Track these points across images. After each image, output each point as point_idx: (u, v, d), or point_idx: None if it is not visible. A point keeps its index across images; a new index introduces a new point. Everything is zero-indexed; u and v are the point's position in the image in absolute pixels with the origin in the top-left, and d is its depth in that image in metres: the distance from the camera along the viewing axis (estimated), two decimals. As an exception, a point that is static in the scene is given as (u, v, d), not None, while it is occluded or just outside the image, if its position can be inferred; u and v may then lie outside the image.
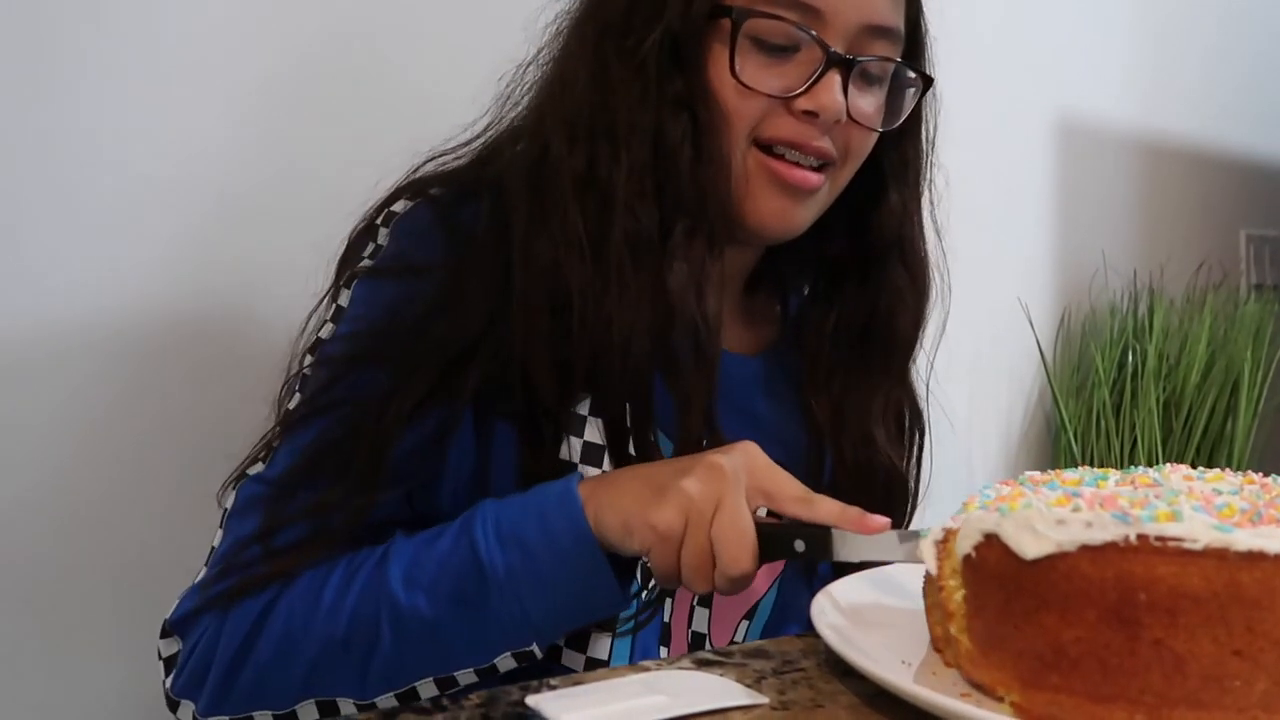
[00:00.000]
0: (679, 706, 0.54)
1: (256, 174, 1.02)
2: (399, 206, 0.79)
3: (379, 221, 0.79)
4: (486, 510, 0.69)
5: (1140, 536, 0.48)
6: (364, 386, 0.73)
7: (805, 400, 0.86)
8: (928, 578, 0.59)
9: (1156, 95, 1.95)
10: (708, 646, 0.82)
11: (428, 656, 0.69)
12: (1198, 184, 2.03)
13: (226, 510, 0.74)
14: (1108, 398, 1.73)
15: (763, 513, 0.69)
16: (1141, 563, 0.47)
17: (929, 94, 0.84)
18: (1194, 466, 0.63)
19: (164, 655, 0.72)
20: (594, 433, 0.76)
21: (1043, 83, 1.77)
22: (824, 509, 0.66)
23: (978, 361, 1.69)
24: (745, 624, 0.84)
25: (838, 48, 0.75)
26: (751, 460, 0.67)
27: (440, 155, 0.82)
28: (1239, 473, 0.61)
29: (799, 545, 0.66)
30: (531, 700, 0.56)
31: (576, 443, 0.76)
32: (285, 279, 0.89)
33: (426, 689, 0.69)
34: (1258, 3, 2.08)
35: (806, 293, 0.91)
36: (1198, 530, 0.47)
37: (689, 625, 0.82)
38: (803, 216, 0.79)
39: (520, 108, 0.81)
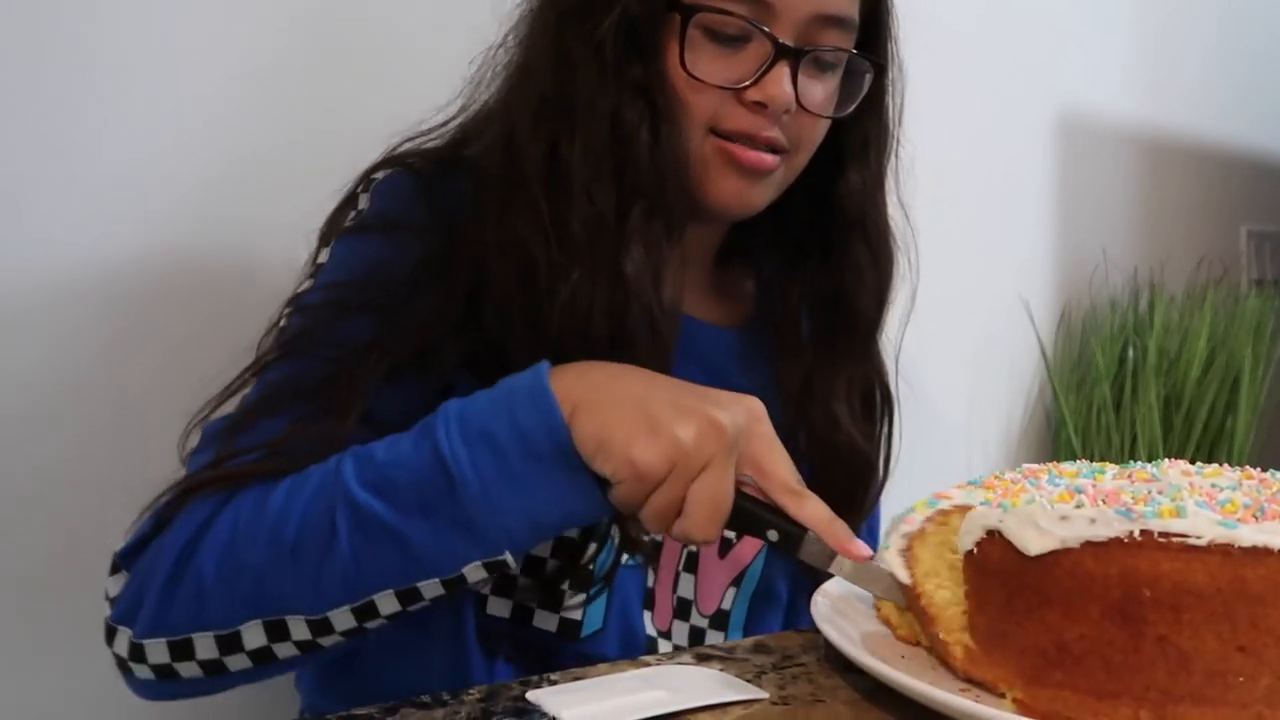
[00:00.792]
0: (679, 701, 0.54)
1: (235, 149, 1.01)
2: (379, 175, 0.80)
3: (360, 189, 0.80)
4: (449, 408, 0.64)
5: (1144, 532, 0.47)
6: (344, 332, 0.72)
7: (777, 374, 0.87)
8: (903, 587, 0.59)
9: (1157, 91, 1.94)
10: (695, 613, 0.83)
11: (389, 565, 0.63)
12: (1198, 180, 2.03)
13: (189, 451, 0.72)
14: (1108, 393, 1.72)
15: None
16: (1145, 559, 0.47)
17: (893, 72, 0.85)
18: (1193, 462, 0.63)
19: (110, 595, 0.67)
20: None
21: (1043, 79, 1.77)
22: (810, 511, 0.63)
23: (978, 357, 1.69)
24: (733, 590, 0.84)
25: (787, 38, 0.75)
26: (754, 425, 0.65)
27: (416, 137, 0.83)
28: (1237, 468, 0.61)
29: (772, 535, 0.64)
30: (532, 695, 0.56)
31: None
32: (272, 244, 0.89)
33: (387, 603, 0.63)
34: (1259, -1, 2.08)
35: (775, 269, 0.92)
36: (1202, 526, 0.47)
37: (674, 590, 0.82)
38: (759, 196, 0.80)
39: (491, 90, 0.82)
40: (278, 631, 0.64)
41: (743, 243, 0.90)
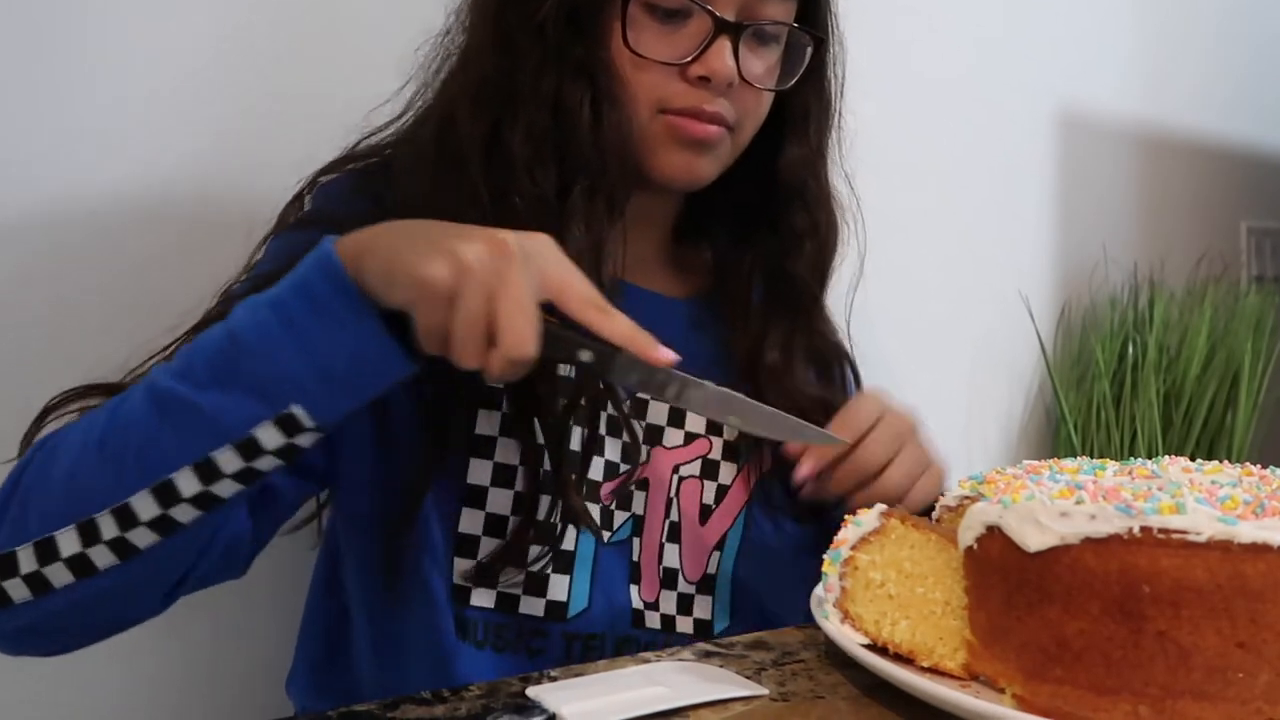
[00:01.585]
0: (679, 698, 0.54)
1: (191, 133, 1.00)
2: (324, 178, 0.83)
3: (305, 191, 0.83)
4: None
5: (1144, 529, 0.47)
6: None
7: (730, 343, 0.89)
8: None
9: (1157, 87, 1.94)
10: (682, 581, 0.83)
11: (185, 438, 0.62)
12: (1199, 176, 2.02)
13: None
14: (1108, 390, 1.72)
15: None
16: (1145, 555, 0.47)
17: (834, 46, 0.86)
18: (1193, 459, 0.63)
19: None
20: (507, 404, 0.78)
21: (1043, 75, 1.77)
22: (618, 325, 0.62)
23: (978, 354, 1.68)
24: (716, 555, 0.85)
25: (728, 13, 0.77)
26: (546, 250, 0.63)
27: (373, 134, 0.84)
28: (1237, 464, 0.61)
29: (585, 355, 0.63)
30: (532, 691, 0.56)
31: (494, 415, 0.78)
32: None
33: (187, 482, 0.62)
34: (1260, -5, 2.07)
35: (729, 241, 0.93)
36: (1201, 523, 0.47)
37: (659, 562, 0.83)
38: (705, 169, 0.81)
39: (441, 76, 0.83)
40: (89, 534, 0.62)
41: (699, 217, 0.92)
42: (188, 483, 0.62)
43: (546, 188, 0.76)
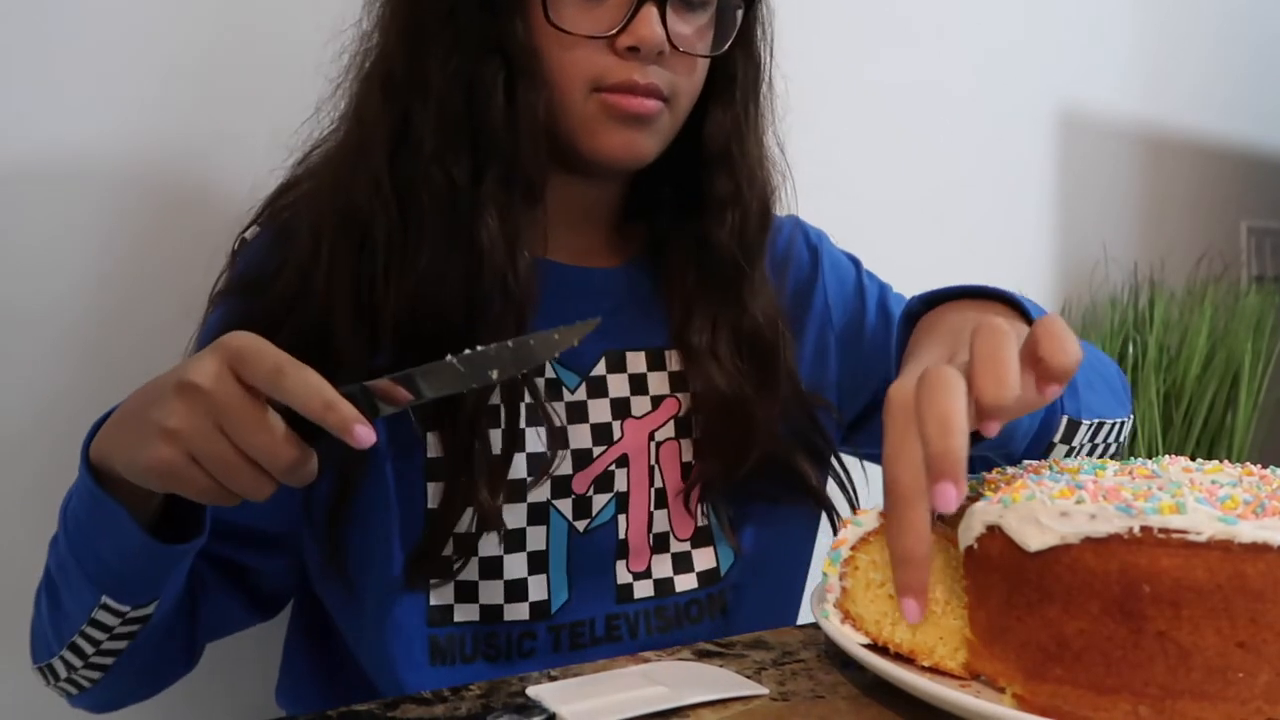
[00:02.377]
0: (679, 697, 0.54)
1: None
2: (250, 234, 0.82)
3: (236, 248, 0.82)
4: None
5: (1144, 529, 0.47)
6: None
7: (665, 305, 0.86)
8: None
9: (1158, 87, 1.94)
10: (674, 541, 0.83)
11: (66, 615, 0.72)
12: (1199, 176, 2.02)
13: None
14: (1109, 389, 1.72)
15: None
16: (1145, 555, 0.47)
17: (761, 9, 0.83)
18: (1194, 458, 0.63)
19: None
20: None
21: (1044, 75, 1.77)
22: (292, 384, 0.57)
23: (978, 353, 1.68)
24: (703, 506, 0.84)
25: None
26: (228, 354, 0.59)
27: (321, 144, 0.82)
28: (1237, 464, 0.61)
29: (386, 409, 0.59)
30: (532, 691, 0.56)
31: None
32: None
33: (94, 633, 0.71)
34: (1260, -6, 2.07)
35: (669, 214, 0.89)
36: (1202, 522, 0.47)
37: (649, 530, 0.82)
38: (646, 145, 0.78)
39: (356, 76, 0.80)
40: (79, 651, 0.73)
41: (642, 196, 0.88)
42: (93, 633, 0.71)
43: (459, 175, 0.74)
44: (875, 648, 0.57)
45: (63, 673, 0.74)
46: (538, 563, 0.78)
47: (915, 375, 0.56)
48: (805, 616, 0.82)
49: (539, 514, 0.79)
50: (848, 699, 0.56)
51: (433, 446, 0.77)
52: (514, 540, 0.78)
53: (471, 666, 0.77)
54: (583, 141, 0.77)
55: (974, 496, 0.61)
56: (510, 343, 0.59)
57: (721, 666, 0.60)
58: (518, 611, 0.77)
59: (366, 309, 0.74)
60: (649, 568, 0.82)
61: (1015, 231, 1.76)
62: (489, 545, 0.77)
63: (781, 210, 0.89)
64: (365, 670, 0.79)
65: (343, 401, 0.57)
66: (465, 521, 0.76)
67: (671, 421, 0.84)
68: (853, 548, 0.59)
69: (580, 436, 0.80)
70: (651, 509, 0.82)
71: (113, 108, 0.97)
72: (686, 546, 0.83)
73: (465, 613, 0.77)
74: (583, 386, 0.81)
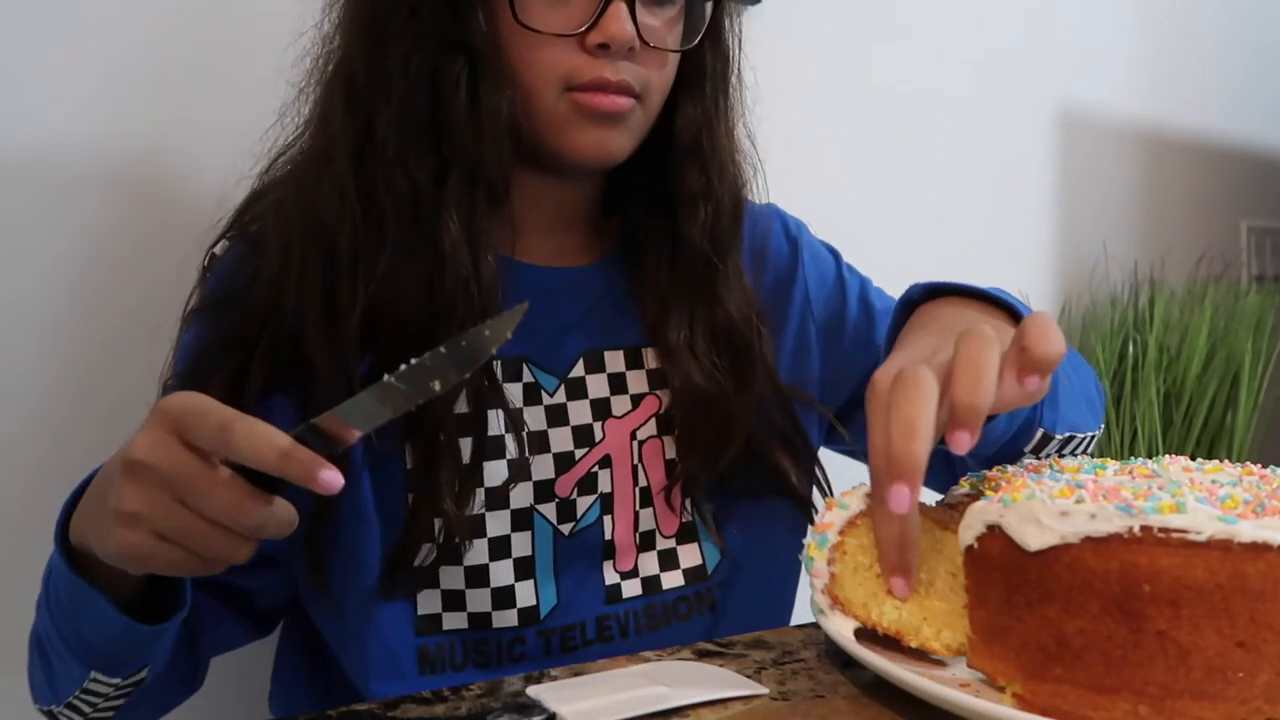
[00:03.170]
0: (679, 697, 0.54)
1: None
2: (219, 248, 0.81)
3: (205, 264, 0.82)
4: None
5: (1144, 528, 0.47)
6: None
7: (640, 303, 0.85)
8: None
9: (1158, 86, 1.94)
10: (659, 539, 0.82)
11: (61, 682, 0.71)
12: (1199, 175, 2.02)
13: None
14: (1108, 389, 1.72)
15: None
16: (1145, 554, 0.47)
17: (727, 3, 0.83)
18: (1194, 458, 0.63)
19: None
20: None
21: (1045, 73, 1.77)
22: (240, 439, 0.54)
23: (978, 352, 1.68)
24: (687, 501, 0.84)
25: None
26: (168, 420, 0.56)
27: (286, 151, 0.81)
28: (1237, 464, 0.61)
29: (339, 449, 0.55)
30: (532, 690, 0.56)
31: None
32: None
33: (88, 699, 0.70)
34: (1261, -7, 2.07)
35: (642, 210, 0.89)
36: (1202, 522, 0.47)
37: (636, 529, 0.82)
38: (618, 144, 0.78)
39: (319, 80, 0.79)
40: (77, 709, 0.72)
41: (620, 197, 0.88)
42: (89, 698, 0.70)
43: (421, 177, 0.73)
44: (872, 636, 0.57)
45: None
46: (524, 568, 0.78)
47: (897, 367, 0.58)
48: (798, 613, 0.82)
49: (523, 520, 0.78)
50: (848, 699, 0.56)
51: (411, 457, 0.76)
52: (499, 547, 0.77)
53: (461, 674, 0.76)
54: (553, 141, 0.76)
55: (974, 496, 0.61)
56: (443, 348, 0.54)
57: (721, 666, 0.60)
58: (506, 618, 0.77)
59: (335, 318, 0.73)
60: (636, 566, 0.82)
61: (1015, 231, 1.76)
62: (477, 554, 0.76)
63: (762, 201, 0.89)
64: (354, 681, 0.78)
65: (298, 448, 0.54)
66: (439, 531, 0.75)
67: (653, 419, 0.84)
68: (840, 532, 0.59)
69: (561, 439, 0.80)
70: (637, 508, 0.82)
71: (78, 108, 0.97)
72: (672, 543, 0.83)
73: (454, 621, 0.77)
74: (561, 389, 0.81)
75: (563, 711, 0.52)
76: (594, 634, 0.80)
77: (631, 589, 0.81)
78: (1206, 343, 1.74)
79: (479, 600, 0.77)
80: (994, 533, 0.52)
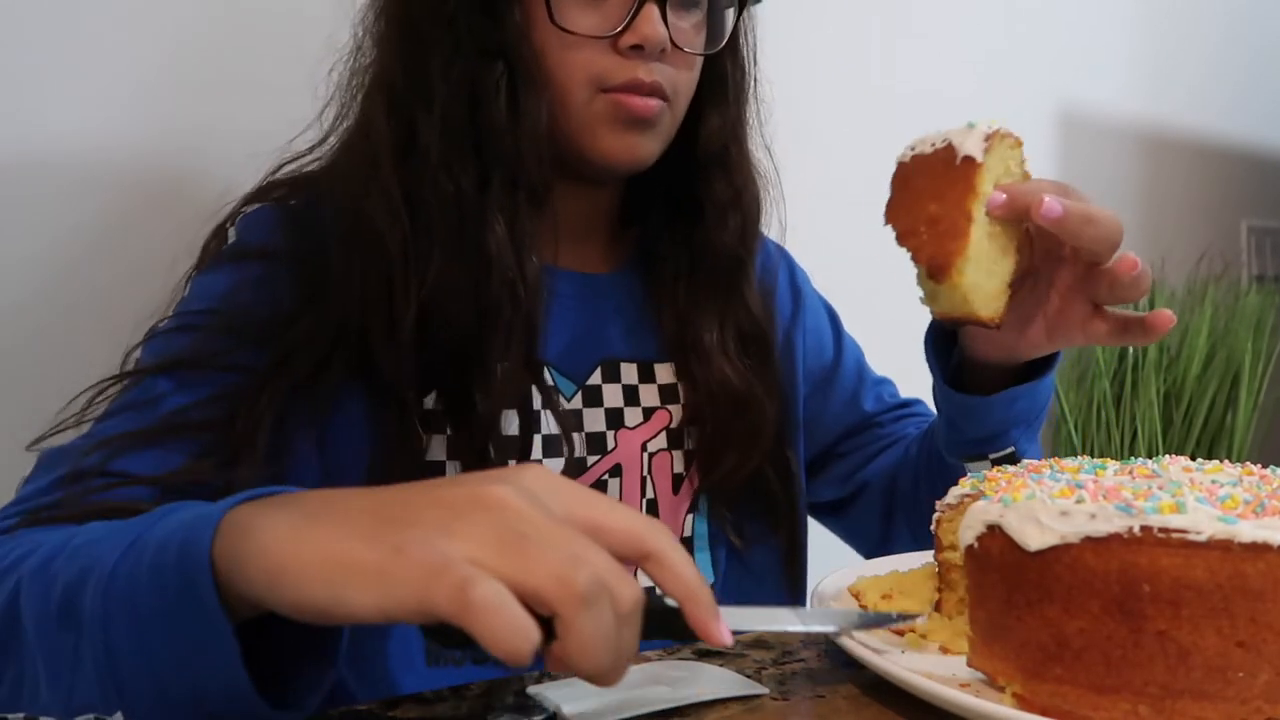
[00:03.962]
0: (679, 697, 0.54)
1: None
2: (246, 209, 0.81)
3: (228, 223, 0.80)
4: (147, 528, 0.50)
5: (1144, 528, 0.47)
6: (229, 360, 0.71)
7: (656, 314, 0.86)
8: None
9: (1159, 86, 1.94)
10: None
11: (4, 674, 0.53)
12: (1200, 175, 2.03)
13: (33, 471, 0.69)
14: (1108, 389, 1.72)
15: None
16: (1145, 554, 0.47)
17: (745, 12, 0.84)
18: (1194, 458, 0.63)
19: None
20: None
21: (1045, 75, 1.77)
22: (671, 575, 0.47)
23: (978, 353, 1.69)
24: (690, 517, 0.85)
25: None
26: (554, 487, 0.47)
27: (295, 159, 0.82)
28: (1237, 464, 0.61)
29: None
30: (533, 689, 0.56)
31: (439, 440, 0.76)
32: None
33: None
34: (1261, -6, 2.07)
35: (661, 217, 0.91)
36: (1202, 522, 0.47)
37: None
38: (648, 148, 0.79)
39: (360, 93, 0.80)
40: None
41: (639, 207, 0.89)
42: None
43: (465, 183, 0.74)
44: (875, 648, 0.57)
45: None
46: None
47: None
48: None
49: None
50: (848, 699, 0.56)
51: (434, 450, 0.76)
52: None
53: (467, 668, 0.77)
54: (584, 143, 0.77)
55: (974, 495, 0.61)
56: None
57: (721, 666, 0.60)
58: None
59: (392, 323, 0.73)
60: (637, 575, 0.82)
61: (1015, 231, 1.76)
62: None
63: (775, 214, 0.90)
64: (362, 672, 0.78)
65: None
66: None
67: (663, 433, 0.85)
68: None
69: (575, 446, 0.81)
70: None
71: (95, 108, 0.98)
72: None
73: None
74: (579, 395, 0.82)
75: (563, 711, 0.52)
76: None
77: None
78: (1206, 343, 1.74)
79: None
80: (994, 532, 0.52)
